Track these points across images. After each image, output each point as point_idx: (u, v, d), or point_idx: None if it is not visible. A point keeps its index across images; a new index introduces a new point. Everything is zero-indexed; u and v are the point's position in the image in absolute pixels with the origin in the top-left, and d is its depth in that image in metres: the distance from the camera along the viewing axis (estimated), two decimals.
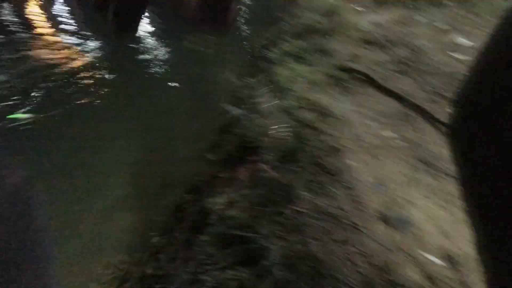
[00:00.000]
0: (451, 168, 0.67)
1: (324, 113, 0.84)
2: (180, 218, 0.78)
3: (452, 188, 0.61)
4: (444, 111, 0.81)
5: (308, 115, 0.83)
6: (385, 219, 0.57)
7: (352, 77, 1.03)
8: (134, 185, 1.22)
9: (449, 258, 0.49)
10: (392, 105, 0.90)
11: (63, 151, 1.24)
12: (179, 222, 0.76)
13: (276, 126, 0.80)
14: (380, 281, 0.48)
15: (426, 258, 0.50)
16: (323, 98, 0.90)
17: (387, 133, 0.80)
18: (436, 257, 0.50)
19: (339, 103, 0.90)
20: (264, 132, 0.81)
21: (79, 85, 1.43)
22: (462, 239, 0.52)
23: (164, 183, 1.17)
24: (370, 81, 1.00)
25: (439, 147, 0.73)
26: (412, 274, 0.48)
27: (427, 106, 0.85)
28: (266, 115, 0.88)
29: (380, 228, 0.56)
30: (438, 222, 0.55)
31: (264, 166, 0.70)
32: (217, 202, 0.65)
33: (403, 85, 0.96)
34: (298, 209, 0.59)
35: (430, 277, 0.47)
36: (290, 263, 0.50)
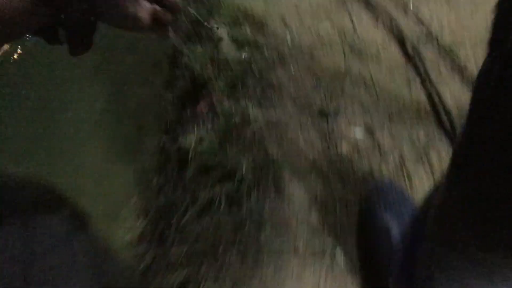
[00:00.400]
0: (377, 51, 0.76)
1: (261, 23, 0.84)
2: (166, 158, 0.91)
3: (374, 69, 0.72)
4: None
5: (245, 30, 0.83)
6: (324, 113, 0.71)
7: None
8: (110, 135, 1.29)
9: (369, 129, 0.66)
10: None
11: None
12: (167, 162, 0.89)
13: (217, 51, 0.81)
14: (323, 161, 0.66)
15: (353, 135, 0.66)
16: (258, 5, 0.86)
17: (324, 27, 0.83)
18: (360, 132, 0.66)
19: (275, 6, 0.87)
20: (208, 61, 0.83)
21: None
22: (379, 113, 0.67)
23: (138, 128, 1.24)
24: None
25: (371, 33, 0.78)
26: (345, 149, 0.66)
27: None
28: (204, 40, 0.86)
29: (320, 120, 0.70)
30: (362, 103, 0.69)
31: (218, 97, 0.78)
32: (189, 140, 0.76)
33: None
34: (255, 127, 0.71)
35: (355, 147, 0.65)
36: (257, 169, 0.66)
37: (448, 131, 0.60)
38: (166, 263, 0.73)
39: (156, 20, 0.26)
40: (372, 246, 0.54)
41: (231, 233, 0.61)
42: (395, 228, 0.51)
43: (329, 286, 0.55)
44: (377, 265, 0.52)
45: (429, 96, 0.65)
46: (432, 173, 0.59)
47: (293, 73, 0.78)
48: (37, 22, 0.20)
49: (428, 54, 0.70)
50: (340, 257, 0.55)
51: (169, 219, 0.79)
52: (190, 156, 0.74)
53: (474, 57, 0.66)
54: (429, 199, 0.45)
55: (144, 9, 0.25)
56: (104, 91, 1.33)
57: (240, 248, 0.59)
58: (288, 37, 0.84)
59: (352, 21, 0.82)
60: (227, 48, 0.82)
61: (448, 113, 0.60)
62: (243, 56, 0.79)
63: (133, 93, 1.33)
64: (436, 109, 0.62)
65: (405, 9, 0.80)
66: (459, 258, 0.31)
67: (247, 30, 0.85)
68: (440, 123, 0.62)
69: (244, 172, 0.67)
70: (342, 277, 0.54)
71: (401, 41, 0.73)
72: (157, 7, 0.26)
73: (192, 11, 0.95)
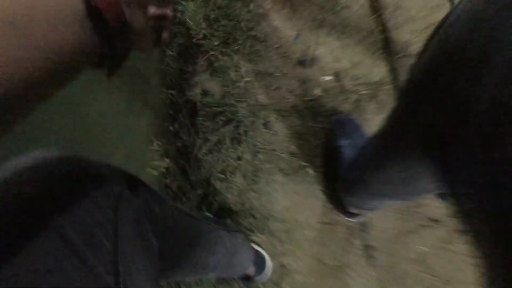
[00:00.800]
0: (349, 1, 0.85)
1: None
2: (177, 109, 1.10)
3: (345, 20, 0.83)
4: None
5: None
6: (302, 63, 0.86)
7: None
8: (119, 92, 1.44)
9: (336, 74, 0.82)
10: None
11: None
12: (178, 112, 1.09)
13: (205, 10, 0.91)
14: (301, 104, 0.84)
15: (324, 79, 0.83)
16: None
17: None
18: (330, 76, 0.82)
19: None
20: (200, 19, 0.94)
21: None
22: (346, 60, 0.81)
23: (145, 83, 1.39)
24: None
25: None
26: (317, 91, 0.83)
27: None
28: None
29: (299, 70, 0.86)
30: (333, 51, 0.83)
31: (214, 54, 0.91)
32: (195, 93, 0.94)
33: None
34: (246, 79, 0.87)
35: (325, 90, 0.82)
36: (250, 114, 0.85)
37: (396, 74, 0.75)
38: (189, 188, 1.00)
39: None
40: (330, 162, 0.77)
41: (235, 161, 0.85)
42: (348, 149, 0.73)
43: (304, 191, 0.80)
44: (333, 174, 0.76)
45: (386, 43, 0.78)
46: (381, 108, 0.77)
47: (277, 27, 0.89)
48: (94, 54, 0.23)
49: (391, 4, 0.80)
50: (310, 171, 0.79)
51: (187, 156, 1.03)
52: (197, 107, 0.93)
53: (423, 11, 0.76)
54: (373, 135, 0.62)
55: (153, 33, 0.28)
56: None
57: (242, 170, 0.84)
58: None
59: None
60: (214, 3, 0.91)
61: (398, 57, 0.75)
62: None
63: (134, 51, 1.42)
64: (389, 54, 0.76)
65: None
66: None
67: None
68: (391, 66, 0.77)
69: (241, 117, 0.86)
70: (311, 184, 0.79)
71: None
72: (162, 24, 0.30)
73: None
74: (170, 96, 1.15)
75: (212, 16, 0.93)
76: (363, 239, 0.75)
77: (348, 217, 0.75)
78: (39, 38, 0.17)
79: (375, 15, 0.81)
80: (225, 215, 0.86)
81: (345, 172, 0.69)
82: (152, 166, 1.18)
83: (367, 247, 0.75)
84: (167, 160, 1.15)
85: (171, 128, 1.10)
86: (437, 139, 0.26)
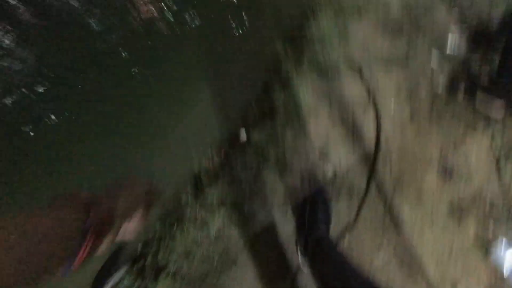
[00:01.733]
0: (345, 155, 1.37)
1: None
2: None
3: (344, 157, 1.34)
4: None
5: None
6: (321, 157, 1.37)
7: None
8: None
9: (335, 174, 1.29)
10: None
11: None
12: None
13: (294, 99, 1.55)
14: (306, 175, 1.32)
15: (327, 172, 1.31)
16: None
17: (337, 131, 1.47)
18: (331, 172, 1.30)
19: None
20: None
21: None
22: (345, 159, 1.29)
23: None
24: None
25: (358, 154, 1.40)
26: (319, 175, 1.31)
27: None
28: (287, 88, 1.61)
29: (316, 161, 1.37)
30: (341, 161, 1.32)
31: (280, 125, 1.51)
32: (260, 136, 1.51)
33: None
34: (286, 145, 1.41)
35: (324, 177, 1.30)
36: (277, 158, 1.37)
37: (369, 190, 1.19)
38: (213, 189, 1.48)
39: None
40: (302, 214, 1.19)
41: (252, 185, 1.33)
42: (322, 223, 1.15)
43: (283, 221, 1.22)
44: (301, 225, 1.17)
45: (371, 175, 1.24)
46: (351, 202, 1.19)
47: (315, 130, 1.45)
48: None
49: (387, 150, 1.28)
50: (290, 213, 1.22)
51: (224, 176, 1.55)
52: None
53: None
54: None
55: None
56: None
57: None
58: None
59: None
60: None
61: (374, 182, 1.19)
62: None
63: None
64: (371, 179, 1.22)
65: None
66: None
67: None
68: (368, 184, 1.21)
69: (269, 154, 1.37)
70: (289, 221, 1.20)
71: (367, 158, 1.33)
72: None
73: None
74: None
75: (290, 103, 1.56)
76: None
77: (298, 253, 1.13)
78: (39, 251, 0.25)
79: (374, 153, 1.30)
80: (226, 208, 1.31)
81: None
82: (200, 165, 1.69)
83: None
84: (212, 167, 1.68)
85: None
86: None
